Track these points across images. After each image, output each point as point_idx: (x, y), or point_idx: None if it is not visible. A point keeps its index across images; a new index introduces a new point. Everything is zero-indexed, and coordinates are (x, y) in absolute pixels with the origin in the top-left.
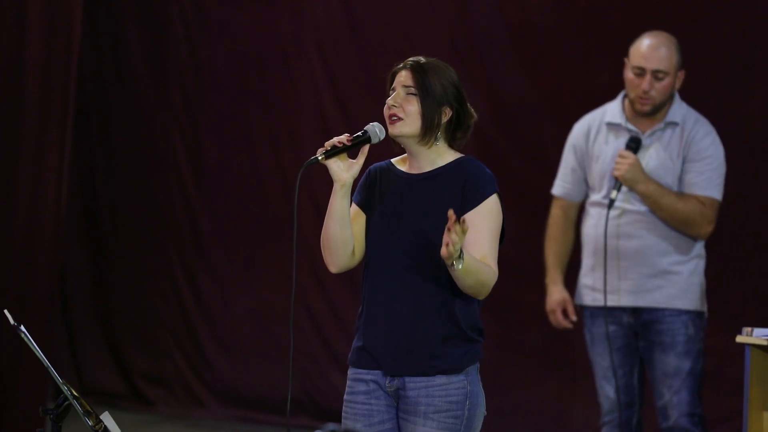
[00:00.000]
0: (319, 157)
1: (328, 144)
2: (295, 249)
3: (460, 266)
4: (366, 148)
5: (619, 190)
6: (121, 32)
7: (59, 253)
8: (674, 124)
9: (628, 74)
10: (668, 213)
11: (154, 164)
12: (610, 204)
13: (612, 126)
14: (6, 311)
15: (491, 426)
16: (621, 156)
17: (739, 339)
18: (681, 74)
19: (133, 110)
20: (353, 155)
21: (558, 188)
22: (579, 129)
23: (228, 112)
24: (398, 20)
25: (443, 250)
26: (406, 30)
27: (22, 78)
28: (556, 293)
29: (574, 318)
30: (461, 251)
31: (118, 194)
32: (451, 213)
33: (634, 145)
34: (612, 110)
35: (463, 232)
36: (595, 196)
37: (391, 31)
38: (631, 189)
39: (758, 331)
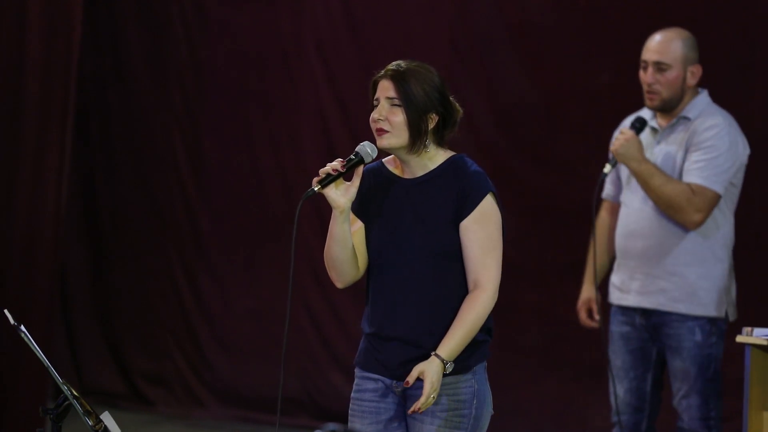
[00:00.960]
0: (316, 189)
1: (322, 172)
2: (292, 273)
3: (451, 367)
4: (360, 169)
5: (613, 165)
6: (121, 32)
7: (59, 253)
8: (686, 119)
9: (640, 70)
10: (655, 195)
11: (154, 164)
12: (603, 181)
13: None
14: (6, 311)
15: (492, 426)
16: (620, 132)
17: (739, 339)
18: (695, 69)
19: (133, 110)
20: (348, 177)
21: (604, 191)
22: (616, 132)
23: (228, 112)
24: (398, 20)
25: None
26: (406, 30)
27: (22, 78)
28: (583, 293)
29: (597, 317)
30: (444, 363)
31: (118, 194)
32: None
33: (638, 124)
34: (645, 110)
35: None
36: (622, 197)
37: (391, 31)
38: (625, 165)
39: (758, 331)
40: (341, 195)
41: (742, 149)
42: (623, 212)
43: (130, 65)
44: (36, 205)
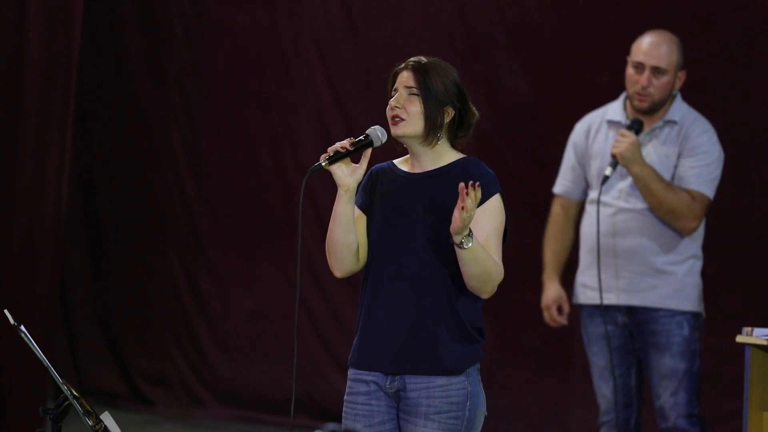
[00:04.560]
0: (323, 163)
1: (330, 149)
2: (299, 256)
3: (470, 244)
4: (369, 152)
5: (614, 168)
6: (121, 32)
7: (59, 253)
8: (673, 122)
9: (629, 70)
10: (657, 200)
11: (154, 164)
12: (604, 180)
13: (613, 123)
14: (6, 311)
15: (491, 426)
16: (621, 134)
17: (739, 339)
18: (682, 74)
19: (132, 110)
20: (356, 159)
21: (558, 186)
22: (580, 127)
23: (227, 112)
24: (397, 20)
25: (454, 222)
26: (405, 30)
27: (22, 78)
28: (551, 290)
29: (566, 314)
30: (470, 231)
31: (118, 194)
32: (461, 185)
33: (637, 126)
34: (613, 109)
35: (476, 198)
36: (594, 194)
37: (390, 31)
38: (626, 168)
39: (758, 331)
40: (348, 175)
41: (722, 156)
42: (604, 211)
43: (129, 65)
44: (36, 205)
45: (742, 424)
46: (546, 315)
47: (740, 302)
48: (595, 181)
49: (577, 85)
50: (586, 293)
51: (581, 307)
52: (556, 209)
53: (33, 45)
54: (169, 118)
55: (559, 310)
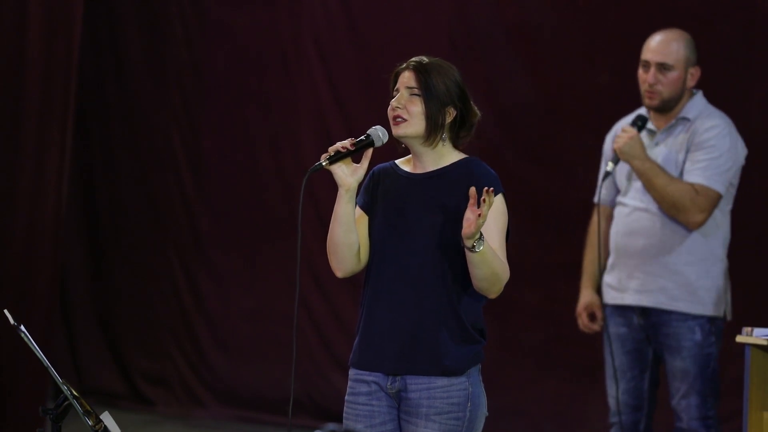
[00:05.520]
0: (324, 163)
1: (331, 149)
2: (299, 256)
3: (481, 248)
4: (369, 152)
5: (615, 163)
6: (121, 32)
7: (59, 253)
8: (686, 119)
9: (639, 70)
10: (659, 194)
11: (154, 164)
12: (605, 176)
13: None
14: (6, 311)
15: (491, 426)
16: (623, 130)
17: (739, 339)
18: (694, 71)
19: (132, 110)
20: (357, 159)
21: (596, 195)
22: (610, 135)
23: (227, 112)
24: (397, 20)
25: (468, 227)
26: (406, 30)
27: (22, 78)
28: (584, 297)
29: (600, 321)
30: (481, 234)
31: (117, 194)
32: (472, 190)
33: (640, 122)
34: (642, 111)
35: (490, 204)
36: (620, 198)
37: (390, 31)
38: (627, 163)
39: (758, 331)
40: (349, 174)
41: (741, 150)
42: (621, 212)
43: (129, 65)
44: (36, 205)
45: (742, 424)
46: (579, 322)
47: (740, 302)
48: (622, 184)
49: (577, 85)
50: (607, 292)
51: (605, 306)
52: (594, 217)
53: (33, 45)
54: (169, 118)
55: (592, 316)
